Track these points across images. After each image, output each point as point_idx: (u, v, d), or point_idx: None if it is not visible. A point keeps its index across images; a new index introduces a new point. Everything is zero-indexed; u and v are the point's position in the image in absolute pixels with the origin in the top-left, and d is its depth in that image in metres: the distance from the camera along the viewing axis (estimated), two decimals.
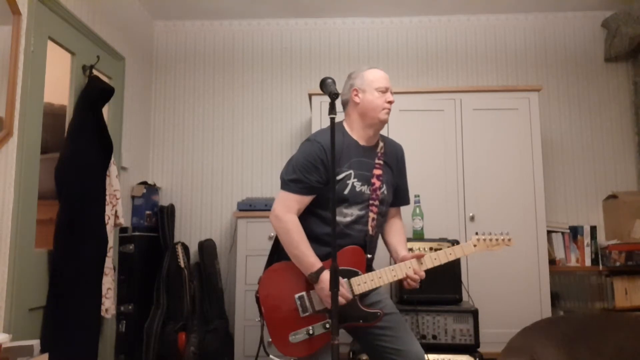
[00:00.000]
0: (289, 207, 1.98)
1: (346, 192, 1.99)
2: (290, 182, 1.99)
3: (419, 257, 1.98)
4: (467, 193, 3.27)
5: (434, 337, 2.77)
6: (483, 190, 3.27)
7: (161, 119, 4.00)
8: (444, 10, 3.91)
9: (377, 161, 2.08)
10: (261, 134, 3.95)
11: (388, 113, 2.07)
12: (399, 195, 2.21)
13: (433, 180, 3.29)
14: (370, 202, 2.03)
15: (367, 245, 2.03)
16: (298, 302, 1.96)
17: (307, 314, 1.95)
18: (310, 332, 1.94)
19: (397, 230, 2.20)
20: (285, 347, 1.94)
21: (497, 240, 2.00)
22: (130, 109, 3.55)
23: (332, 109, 1.75)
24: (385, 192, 2.09)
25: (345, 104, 2.14)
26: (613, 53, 3.77)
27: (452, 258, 1.99)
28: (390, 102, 2.07)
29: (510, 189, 3.27)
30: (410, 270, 1.97)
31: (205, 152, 3.95)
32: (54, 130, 2.75)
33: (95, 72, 2.95)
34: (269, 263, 2.09)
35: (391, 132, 3.33)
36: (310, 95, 3.47)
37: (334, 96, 1.75)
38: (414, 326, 2.78)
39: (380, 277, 1.97)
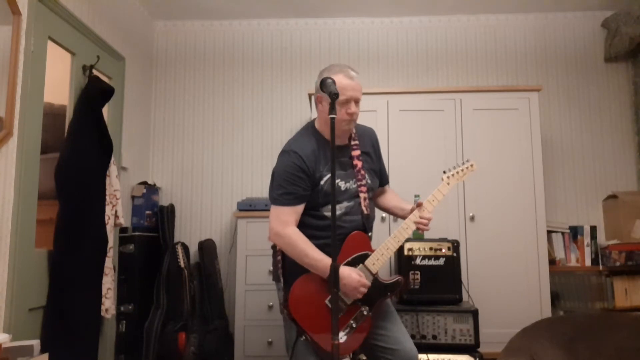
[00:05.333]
0: (285, 221, 2.00)
1: None
2: (280, 196, 2.02)
3: (419, 206, 2.10)
4: (467, 193, 3.27)
5: (434, 337, 2.77)
6: (483, 190, 3.27)
7: (161, 119, 4.00)
8: (444, 10, 3.91)
9: (354, 154, 2.13)
10: (261, 134, 3.95)
11: (349, 123, 2.06)
12: (380, 177, 2.29)
13: (433, 180, 3.22)
14: (359, 192, 2.10)
15: (367, 225, 2.11)
16: (331, 306, 1.97)
17: (342, 312, 1.99)
18: (353, 325, 2.00)
19: (391, 195, 2.34)
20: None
21: (463, 171, 2.21)
22: (130, 109, 3.55)
23: (332, 109, 1.76)
24: (370, 180, 2.15)
25: (315, 105, 2.12)
26: (613, 53, 3.77)
27: (440, 197, 2.14)
28: (350, 114, 2.02)
29: (510, 189, 3.27)
30: (417, 218, 2.09)
31: (205, 152, 3.95)
32: (54, 130, 2.75)
33: (95, 72, 2.95)
34: (285, 282, 2.09)
35: (391, 132, 3.33)
36: (310, 95, 3.47)
37: (334, 96, 1.76)
38: (414, 326, 2.78)
39: (388, 247, 2.06)
